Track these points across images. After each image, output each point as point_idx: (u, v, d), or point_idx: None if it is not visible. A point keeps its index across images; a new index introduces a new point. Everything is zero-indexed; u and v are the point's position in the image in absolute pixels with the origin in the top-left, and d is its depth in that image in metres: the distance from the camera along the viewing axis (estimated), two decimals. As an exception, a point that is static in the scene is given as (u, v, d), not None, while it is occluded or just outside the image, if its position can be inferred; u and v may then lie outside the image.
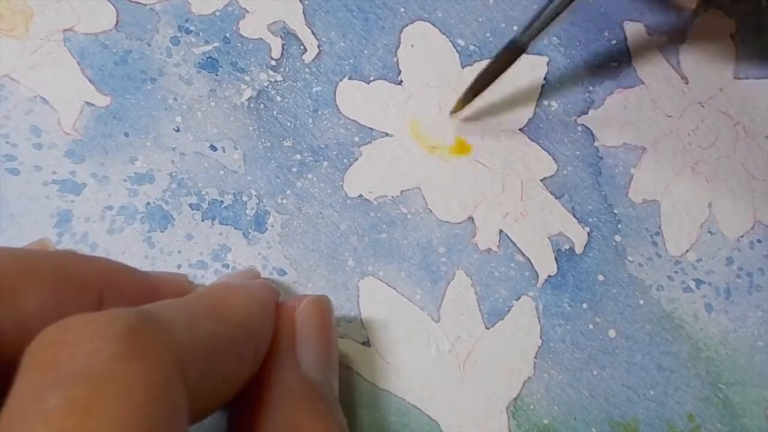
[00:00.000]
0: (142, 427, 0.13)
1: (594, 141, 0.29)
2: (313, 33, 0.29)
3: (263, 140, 0.27)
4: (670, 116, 0.30)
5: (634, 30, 0.31)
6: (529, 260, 0.27)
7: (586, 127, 0.29)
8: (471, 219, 0.27)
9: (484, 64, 0.29)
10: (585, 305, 0.27)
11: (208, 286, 0.22)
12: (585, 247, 0.28)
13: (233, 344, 0.18)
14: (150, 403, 0.14)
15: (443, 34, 0.30)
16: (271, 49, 0.28)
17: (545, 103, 0.29)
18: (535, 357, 0.26)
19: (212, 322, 0.18)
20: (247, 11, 0.28)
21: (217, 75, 0.27)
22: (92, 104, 0.26)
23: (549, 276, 0.27)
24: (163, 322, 0.16)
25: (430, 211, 0.27)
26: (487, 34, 0.30)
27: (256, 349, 0.19)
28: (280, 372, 0.20)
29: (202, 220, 0.25)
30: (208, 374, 0.17)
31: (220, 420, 0.21)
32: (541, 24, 0.25)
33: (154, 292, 0.20)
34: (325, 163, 0.27)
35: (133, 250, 0.25)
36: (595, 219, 0.28)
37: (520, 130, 0.29)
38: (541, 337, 0.26)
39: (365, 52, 0.29)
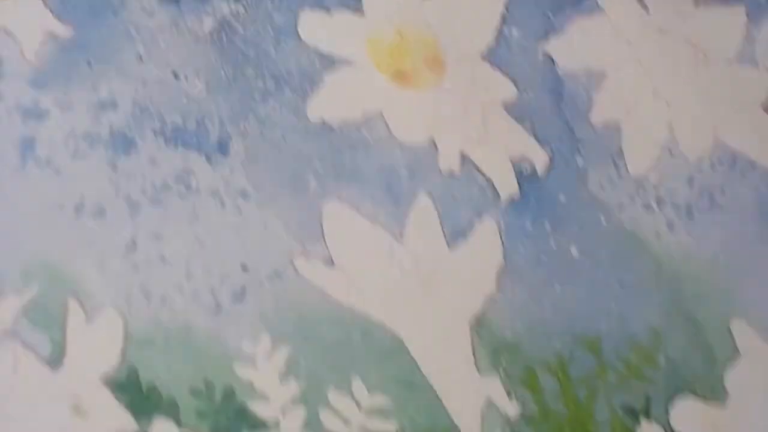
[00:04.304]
0: None
1: (555, 67, 0.29)
2: (275, -34, 0.29)
3: (225, 69, 0.27)
4: (630, 42, 0.30)
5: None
6: (491, 182, 0.27)
7: (547, 53, 0.30)
8: (433, 142, 0.28)
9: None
10: (547, 225, 0.27)
11: None
12: (547, 169, 0.28)
13: None
14: None
15: (405, -34, 0.30)
16: (232, -19, 0.28)
17: (506, 30, 0.30)
18: (498, 275, 0.26)
19: None
20: (209, -55, 0.29)
21: (179, 6, 0.28)
22: (54, 34, 0.26)
23: (511, 197, 0.27)
24: None
25: (392, 135, 0.27)
26: (449, -34, 0.30)
27: None
28: None
29: (165, 145, 0.26)
30: None
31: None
32: None
33: None
34: (287, 90, 0.27)
35: (97, 175, 0.25)
36: (556, 142, 0.28)
37: (482, 56, 0.29)
38: (503, 256, 0.27)
39: (327, -17, 0.29)
